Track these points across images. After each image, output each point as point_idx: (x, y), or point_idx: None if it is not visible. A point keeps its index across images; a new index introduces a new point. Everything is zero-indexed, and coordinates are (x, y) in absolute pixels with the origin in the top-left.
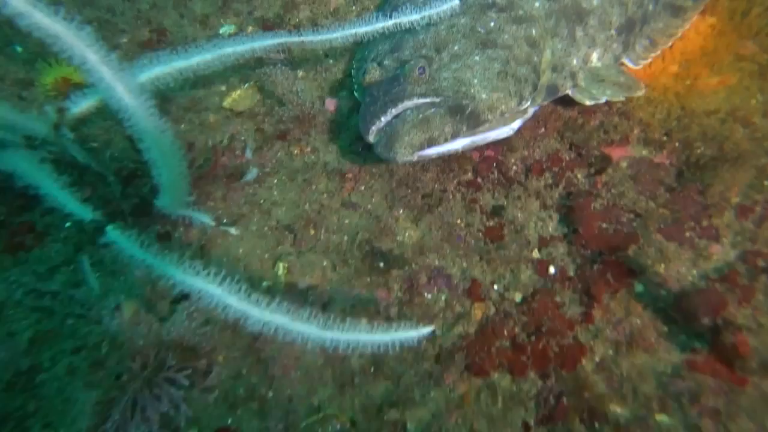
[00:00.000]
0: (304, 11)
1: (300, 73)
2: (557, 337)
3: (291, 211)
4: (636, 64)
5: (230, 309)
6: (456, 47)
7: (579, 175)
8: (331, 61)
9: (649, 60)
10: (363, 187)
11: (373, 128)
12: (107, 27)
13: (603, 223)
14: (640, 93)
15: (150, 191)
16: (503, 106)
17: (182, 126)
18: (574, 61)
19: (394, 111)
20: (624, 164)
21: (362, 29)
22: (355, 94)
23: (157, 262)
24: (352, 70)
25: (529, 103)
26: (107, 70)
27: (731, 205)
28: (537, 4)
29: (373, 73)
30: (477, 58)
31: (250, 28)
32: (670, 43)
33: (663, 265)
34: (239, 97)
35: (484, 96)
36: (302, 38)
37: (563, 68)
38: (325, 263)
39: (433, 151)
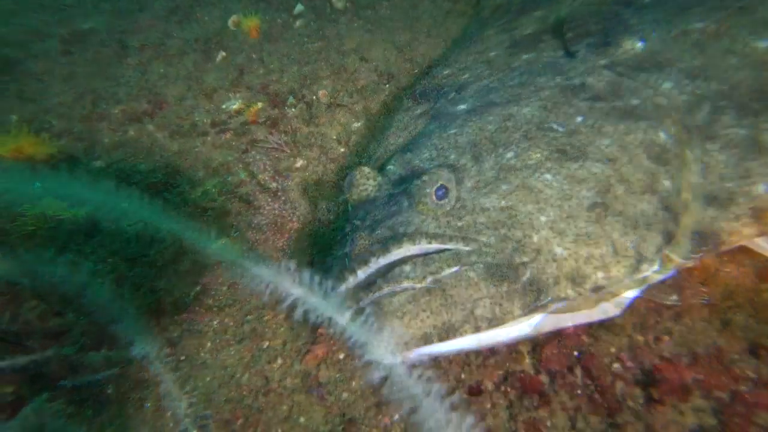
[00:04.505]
0: (325, 87)
1: (299, 162)
2: None
3: (218, 386)
4: None
5: None
6: (510, 154)
7: None
8: (342, 149)
9: None
10: (342, 356)
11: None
12: (106, 96)
13: None
14: None
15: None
16: (600, 276)
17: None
18: (762, 188)
19: (381, 261)
20: None
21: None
22: (350, 208)
23: None
24: None
25: (656, 267)
26: None
27: None
28: (667, 86)
29: (365, 183)
30: (549, 176)
31: (259, 104)
32: None
33: None
34: (212, 186)
35: (559, 251)
36: None
37: (733, 199)
38: None
39: (449, 348)
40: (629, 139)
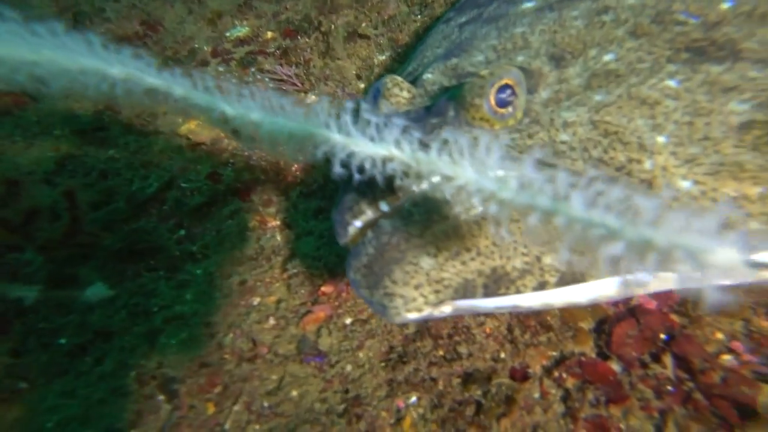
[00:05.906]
0: (345, 15)
1: (311, 98)
2: None
3: (192, 347)
4: None
5: None
6: (608, 56)
7: None
8: (362, 84)
9: None
10: (348, 321)
11: (357, 223)
12: (90, 13)
13: None
14: None
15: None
16: (757, 225)
17: (110, 151)
18: None
19: (414, 188)
20: None
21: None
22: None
23: None
24: None
25: None
26: None
27: None
28: None
29: (397, 94)
30: (672, 83)
31: (269, 34)
32: None
33: None
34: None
35: (686, 185)
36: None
37: None
38: None
39: (501, 303)
40: None
